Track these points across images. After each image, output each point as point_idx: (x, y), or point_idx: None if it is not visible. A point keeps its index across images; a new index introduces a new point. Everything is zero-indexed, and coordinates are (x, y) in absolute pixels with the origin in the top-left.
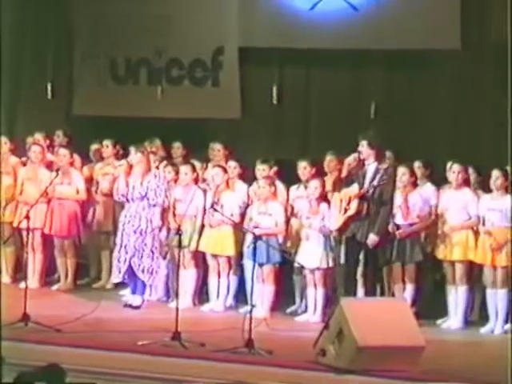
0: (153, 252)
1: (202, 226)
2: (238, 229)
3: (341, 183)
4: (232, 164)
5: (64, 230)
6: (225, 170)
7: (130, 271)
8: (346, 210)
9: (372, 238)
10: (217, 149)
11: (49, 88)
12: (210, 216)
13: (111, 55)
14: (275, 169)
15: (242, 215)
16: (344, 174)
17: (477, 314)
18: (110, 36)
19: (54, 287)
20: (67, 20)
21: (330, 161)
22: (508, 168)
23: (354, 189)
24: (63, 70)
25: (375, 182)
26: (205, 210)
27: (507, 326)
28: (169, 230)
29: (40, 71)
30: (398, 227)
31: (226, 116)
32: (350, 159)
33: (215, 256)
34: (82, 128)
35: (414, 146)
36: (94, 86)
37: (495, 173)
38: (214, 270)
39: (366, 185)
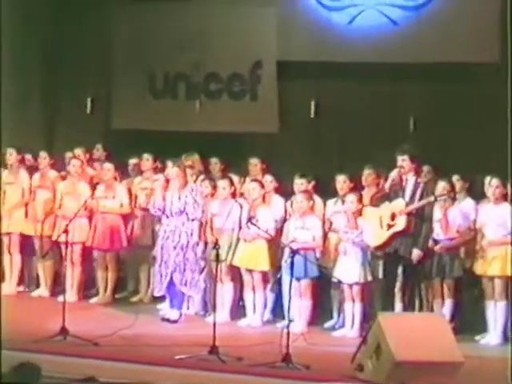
0: (192, 267)
1: (238, 240)
2: (274, 243)
3: (379, 198)
4: (268, 178)
5: (107, 244)
6: (262, 185)
7: (170, 285)
8: (389, 226)
9: (416, 253)
10: (254, 163)
11: (88, 103)
12: (245, 230)
13: (149, 70)
14: (313, 183)
15: (279, 230)
16: (387, 188)
17: None
18: (148, 51)
19: (93, 300)
20: (106, 36)
21: (367, 175)
22: None
23: (399, 204)
24: (102, 85)
25: (431, 198)
26: (241, 224)
27: None
28: (206, 244)
29: (79, 86)
30: (436, 242)
31: (264, 130)
32: (394, 174)
33: (250, 271)
34: (120, 142)
35: (453, 160)
36: (132, 101)
37: None
38: (248, 284)
39: (407, 200)
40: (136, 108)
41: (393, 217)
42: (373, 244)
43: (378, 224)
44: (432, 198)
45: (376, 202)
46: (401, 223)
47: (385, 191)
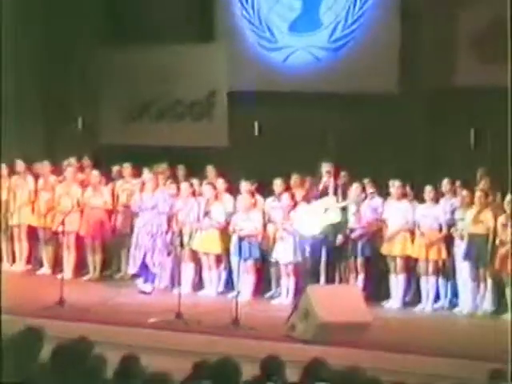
0: (161, 250)
1: (197, 230)
2: (225, 232)
3: (310, 197)
4: (220, 181)
5: (95, 233)
6: (214, 186)
7: (144, 265)
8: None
9: (340, 238)
10: (209, 170)
11: (80, 122)
12: (202, 222)
13: (129, 97)
14: (255, 185)
15: (228, 221)
16: (320, 189)
17: (412, 296)
18: (129, 82)
19: (85, 278)
20: (95, 69)
21: (295, 179)
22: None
23: (329, 201)
24: (92, 108)
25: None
26: (199, 217)
27: (435, 306)
28: (173, 233)
29: (73, 109)
30: (351, 230)
31: (218, 144)
32: (324, 178)
33: (206, 254)
34: (106, 153)
35: (364, 167)
36: (116, 121)
37: (428, 188)
38: (205, 264)
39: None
40: (119, 126)
41: (325, 210)
42: (309, 233)
43: (312, 216)
44: (357, 199)
45: (308, 199)
46: (336, 215)
47: (313, 191)
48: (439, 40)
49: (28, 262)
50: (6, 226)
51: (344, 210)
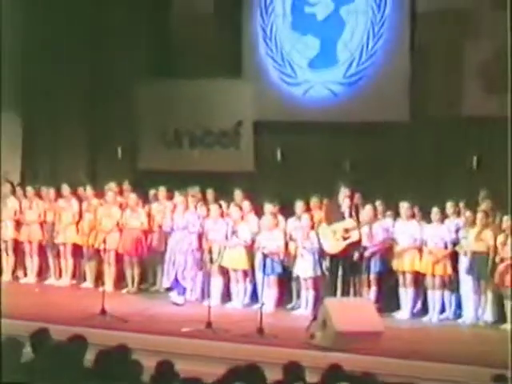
0: (192, 266)
1: (225, 248)
2: (250, 250)
3: (331, 218)
4: (246, 203)
5: (132, 251)
6: (241, 208)
7: (176, 279)
8: (344, 238)
9: (356, 256)
10: (237, 193)
11: (119, 151)
12: (230, 240)
13: (163, 127)
14: (278, 207)
15: (253, 240)
16: (341, 211)
17: (420, 308)
18: (163, 114)
19: (124, 290)
20: (133, 104)
21: (314, 201)
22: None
23: (349, 222)
24: (130, 138)
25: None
26: (227, 236)
27: (441, 316)
28: (203, 250)
29: (114, 139)
30: (365, 249)
31: (244, 170)
32: (341, 201)
33: (234, 269)
34: (143, 178)
35: (377, 189)
36: (152, 149)
37: (434, 209)
38: (233, 278)
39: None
40: (154, 154)
41: (346, 231)
42: (332, 251)
43: (332, 237)
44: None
45: (328, 221)
46: (355, 236)
47: (334, 213)
48: (446, 72)
49: (73, 276)
50: (53, 244)
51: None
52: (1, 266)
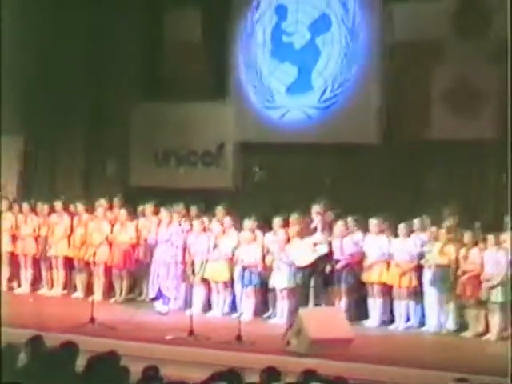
0: (176, 278)
1: (207, 261)
2: (230, 262)
3: (303, 233)
4: (227, 219)
5: (121, 264)
6: (222, 223)
7: (160, 290)
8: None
9: (328, 268)
10: (218, 210)
11: (110, 169)
12: (211, 254)
13: (154, 148)
14: (256, 223)
15: (233, 253)
16: (313, 226)
17: (387, 316)
18: (153, 136)
19: (112, 300)
20: (125, 126)
21: (291, 217)
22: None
23: (318, 237)
24: (122, 157)
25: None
26: (209, 250)
27: (407, 325)
28: (186, 263)
29: (106, 158)
30: (336, 261)
31: (225, 187)
32: (315, 217)
33: (215, 281)
34: (134, 194)
35: (348, 207)
36: (142, 168)
37: (401, 225)
38: (214, 289)
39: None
40: (144, 172)
41: (315, 245)
42: (302, 264)
43: (304, 250)
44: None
45: (300, 235)
46: (323, 249)
47: (305, 229)
48: (415, 98)
49: (64, 287)
50: (46, 257)
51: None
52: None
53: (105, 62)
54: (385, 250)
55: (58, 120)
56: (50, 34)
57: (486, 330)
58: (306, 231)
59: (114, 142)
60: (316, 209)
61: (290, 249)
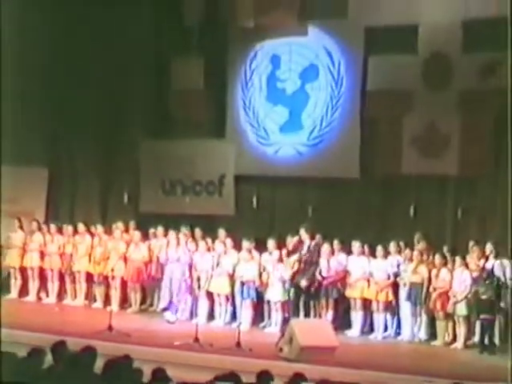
0: (183, 291)
1: (211, 276)
2: (231, 278)
3: (291, 253)
4: (228, 240)
5: (135, 278)
6: (224, 244)
7: (170, 301)
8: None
9: (303, 283)
10: (221, 232)
11: (125, 196)
12: (215, 270)
13: (162, 179)
14: (254, 244)
15: (234, 270)
16: (290, 248)
17: (368, 327)
18: (161, 169)
19: (127, 310)
20: (136, 160)
21: (285, 239)
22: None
23: (296, 257)
24: (134, 187)
25: (306, 251)
26: (213, 267)
27: (384, 334)
28: (193, 278)
29: (120, 188)
30: (323, 278)
31: (226, 213)
32: (295, 240)
33: (218, 294)
34: (145, 220)
35: (334, 231)
36: (152, 196)
37: (379, 248)
38: (217, 301)
39: (304, 253)
40: (154, 200)
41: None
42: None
43: (288, 266)
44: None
45: (288, 255)
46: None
47: (294, 250)
48: (389, 139)
49: (86, 298)
50: (70, 272)
51: (314, 262)
52: (9, 286)
53: (119, 104)
54: (365, 269)
55: (78, 154)
56: (72, 79)
57: (453, 340)
58: (295, 251)
59: (127, 173)
60: (304, 232)
61: (282, 267)
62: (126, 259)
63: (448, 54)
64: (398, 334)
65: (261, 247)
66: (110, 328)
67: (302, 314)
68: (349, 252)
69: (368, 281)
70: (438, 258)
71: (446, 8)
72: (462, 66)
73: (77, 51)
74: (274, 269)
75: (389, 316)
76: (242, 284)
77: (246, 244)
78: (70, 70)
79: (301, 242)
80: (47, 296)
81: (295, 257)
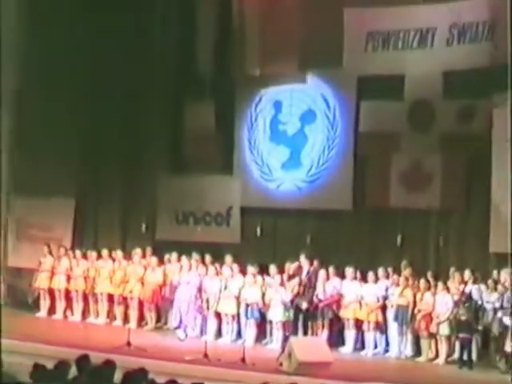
0: (194, 311)
1: (219, 298)
2: (237, 300)
3: (289, 277)
4: (235, 266)
5: (150, 299)
6: (232, 269)
7: (181, 320)
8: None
9: (304, 305)
10: (228, 258)
11: (143, 226)
12: (222, 293)
13: (175, 211)
14: (257, 269)
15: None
16: (291, 272)
17: (359, 344)
18: (174, 202)
19: (144, 328)
20: (153, 195)
21: (286, 265)
22: (380, 269)
23: (296, 281)
24: (151, 218)
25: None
26: (221, 290)
27: (374, 351)
28: (202, 300)
29: (139, 220)
30: (320, 300)
31: (233, 241)
32: (295, 265)
33: (226, 314)
34: (161, 246)
35: (330, 258)
36: (166, 226)
37: (370, 273)
38: (224, 320)
39: (304, 277)
40: (168, 229)
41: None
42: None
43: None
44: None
45: (289, 279)
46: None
47: (293, 275)
48: (378, 175)
49: (107, 316)
50: (93, 293)
51: (312, 285)
52: (39, 305)
53: (139, 142)
54: (357, 292)
55: (101, 187)
56: (98, 121)
57: (436, 356)
58: (294, 276)
59: (144, 205)
60: (303, 259)
61: (283, 290)
62: (143, 282)
63: (430, 101)
64: (386, 350)
65: (264, 272)
66: (129, 344)
67: (300, 332)
68: (342, 277)
69: (360, 303)
70: (422, 283)
71: (428, 60)
72: (443, 111)
73: (105, 96)
74: (276, 292)
75: (378, 335)
76: (247, 305)
77: (250, 269)
78: (97, 112)
79: (300, 267)
80: (72, 315)
81: (295, 281)
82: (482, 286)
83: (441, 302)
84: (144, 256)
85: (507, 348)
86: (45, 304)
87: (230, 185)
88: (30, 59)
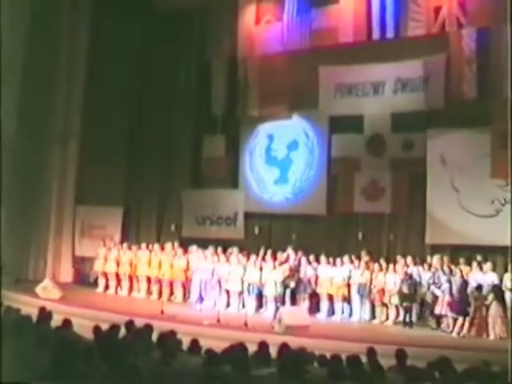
0: (208, 288)
1: (227, 279)
2: (242, 280)
3: (280, 264)
4: (240, 255)
5: (178, 279)
6: (237, 258)
7: (200, 295)
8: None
9: (292, 284)
10: (234, 250)
11: (173, 227)
12: (231, 275)
13: (196, 215)
14: (256, 258)
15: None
16: (282, 260)
17: (331, 312)
18: (195, 206)
19: (174, 301)
20: (179, 200)
21: (278, 254)
22: (345, 256)
23: (286, 267)
24: (178, 220)
25: (293, 262)
26: (229, 272)
27: (341, 316)
28: (215, 280)
29: (169, 219)
30: (300, 280)
31: (238, 237)
32: (284, 255)
33: (233, 291)
34: (186, 241)
35: (310, 250)
36: (191, 225)
37: (338, 260)
38: (232, 295)
39: (291, 263)
40: (191, 228)
41: (284, 271)
42: (277, 279)
43: (279, 273)
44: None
45: (280, 264)
46: (286, 271)
47: (282, 261)
48: (345, 189)
49: (146, 292)
50: (135, 275)
51: (297, 270)
52: (97, 284)
53: (169, 165)
54: (329, 274)
55: (142, 198)
56: (138, 146)
57: (386, 319)
58: (283, 263)
59: (174, 211)
60: (290, 250)
61: (275, 273)
62: (172, 267)
63: (382, 134)
64: (350, 315)
65: (262, 259)
66: (162, 312)
67: (287, 303)
68: (318, 263)
69: (331, 282)
70: (377, 266)
71: (380, 105)
72: (391, 142)
73: (146, 132)
74: (270, 274)
75: (345, 305)
76: (249, 284)
77: (252, 258)
78: (140, 144)
79: (288, 256)
80: (121, 290)
81: (285, 266)
82: (420, 268)
83: (390, 280)
84: (173, 248)
85: (436, 311)
86: (101, 282)
87: (236, 196)
88: (92, 102)
